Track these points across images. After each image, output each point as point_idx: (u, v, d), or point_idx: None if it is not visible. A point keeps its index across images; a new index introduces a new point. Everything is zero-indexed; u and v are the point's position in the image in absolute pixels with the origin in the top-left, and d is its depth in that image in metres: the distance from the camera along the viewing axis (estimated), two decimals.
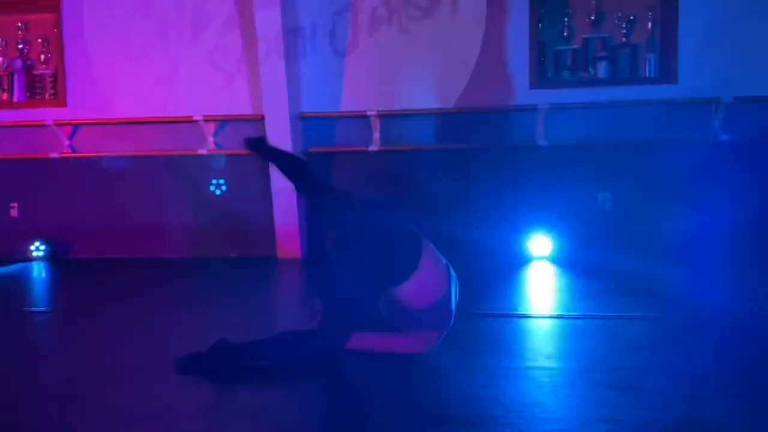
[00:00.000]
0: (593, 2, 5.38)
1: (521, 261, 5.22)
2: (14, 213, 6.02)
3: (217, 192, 5.66)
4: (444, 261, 2.95)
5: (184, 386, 2.60)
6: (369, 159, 5.50)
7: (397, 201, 5.40)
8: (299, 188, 3.27)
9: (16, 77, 6.01)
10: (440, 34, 5.39)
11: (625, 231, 5.26)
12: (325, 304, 2.86)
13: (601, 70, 5.39)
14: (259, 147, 3.28)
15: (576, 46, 5.46)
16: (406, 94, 5.44)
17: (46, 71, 6.01)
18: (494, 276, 4.79)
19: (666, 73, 5.25)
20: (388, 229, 2.90)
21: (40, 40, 6.00)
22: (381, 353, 2.83)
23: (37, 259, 5.85)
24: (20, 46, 6.03)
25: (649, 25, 5.35)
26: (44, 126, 5.82)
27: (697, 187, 5.07)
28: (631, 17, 5.35)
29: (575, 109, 5.26)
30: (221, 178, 5.67)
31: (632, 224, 5.27)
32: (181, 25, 5.67)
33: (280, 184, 5.41)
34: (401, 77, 5.45)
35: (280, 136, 5.29)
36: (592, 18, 5.40)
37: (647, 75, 5.36)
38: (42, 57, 5.99)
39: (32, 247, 5.86)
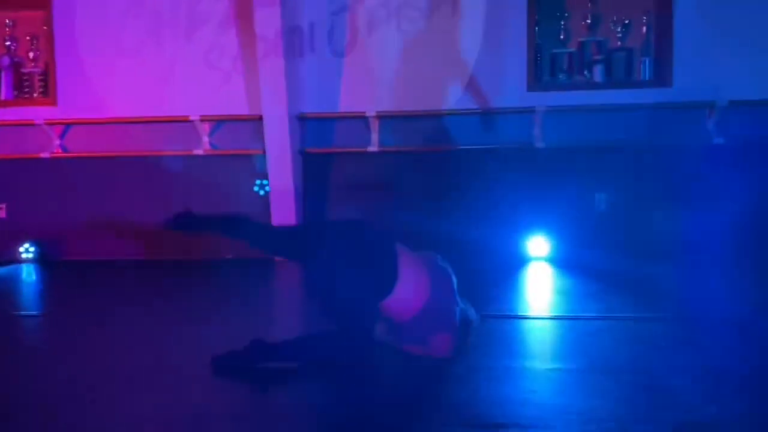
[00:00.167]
0: (589, 5, 5.45)
1: (519, 261, 5.27)
2: (2, 214, 5.88)
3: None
4: (428, 262, 2.93)
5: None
6: (368, 160, 5.50)
7: (395, 202, 5.46)
8: (254, 244, 3.24)
9: (3, 75, 5.87)
10: (439, 35, 5.41)
11: (620, 232, 5.33)
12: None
13: (597, 73, 5.46)
14: (187, 223, 3.20)
15: (572, 49, 5.52)
16: (405, 95, 5.44)
17: (35, 69, 5.89)
18: (493, 276, 4.82)
19: (661, 76, 5.34)
20: (364, 251, 2.84)
21: (28, 38, 5.87)
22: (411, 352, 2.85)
23: (27, 261, 5.73)
24: (8, 43, 5.90)
25: (644, 29, 5.43)
26: (34, 125, 5.69)
27: (691, 189, 5.16)
28: (627, 21, 5.42)
29: (572, 112, 5.32)
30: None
31: (627, 225, 5.35)
32: (175, 23, 5.60)
33: (278, 184, 5.40)
34: (399, 78, 5.46)
35: (279, 136, 5.27)
36: (588, 21, 5.46)
37: (642, 78, 5.44)
38: (31, 55, 5.87)
39: (21, 249, 5.74)
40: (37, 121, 5.68)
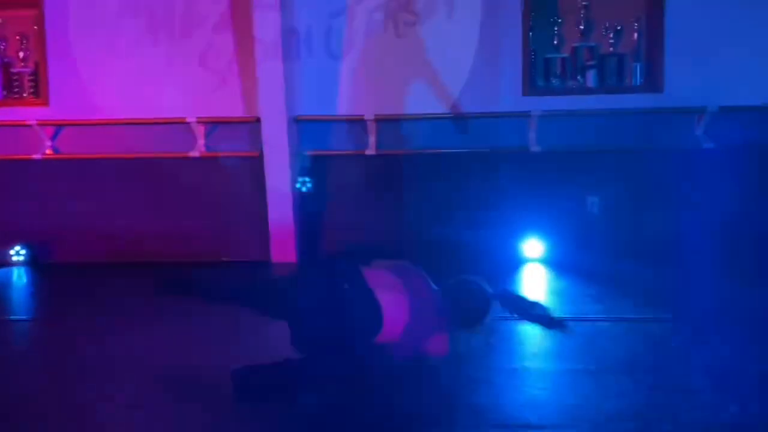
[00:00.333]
0: (582, 11, 5.54)
1: (514, 263, 5.34)
2: None
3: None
4: (396, 270, 2.92)
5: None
6: (365, 163, 5.52)
7: (393, 204, 5.50)
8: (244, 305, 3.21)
9: None
10: (435, 39, 5.45)
11: (612, 234, 5.44)
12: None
13: (590, 78, 5.55)
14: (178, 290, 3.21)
15: (565, 55, 5.61)
16: (402, 99, 5.48)
17: (25, 69, 5.80)
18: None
19: (652, 82, 5.45)
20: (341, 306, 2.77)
21: (18, 37, 5.78)
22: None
23: (18, 263, 5.63)
24: None
25: (636, 35, 5.55)
26: (25, 126, 5.60)
27: (682, 192, 5.29)
28: (619, 27, 5.53)
29: (565, 116, 5.40)
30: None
31: (619, 228, 5.46)
32: (170, 24, 5.55)
33: (275, 185, 5.39)
34: (396, 82, 5.49)
35: (277, 138, 5.26)
36: (581, 27, 5.55)
37: (634, 84, 5.55)
38: (21, 54, 5.78)
39: (12, 252, 5.64)
40: (28, 122, 5.59)
